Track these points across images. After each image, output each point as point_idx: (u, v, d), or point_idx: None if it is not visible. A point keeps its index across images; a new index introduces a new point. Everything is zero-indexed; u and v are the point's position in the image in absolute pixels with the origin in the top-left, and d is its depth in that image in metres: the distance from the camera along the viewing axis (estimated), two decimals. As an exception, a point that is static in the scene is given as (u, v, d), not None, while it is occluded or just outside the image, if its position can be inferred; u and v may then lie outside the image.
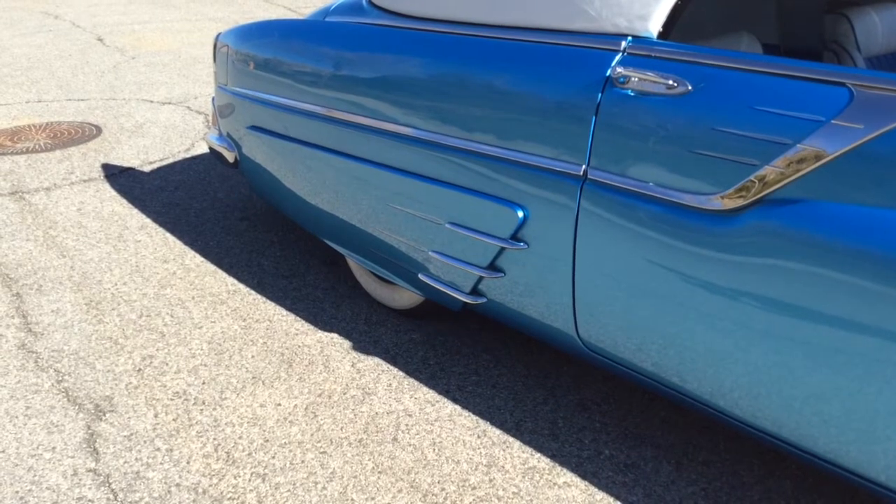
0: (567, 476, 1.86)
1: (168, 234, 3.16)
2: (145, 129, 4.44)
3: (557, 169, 1.79)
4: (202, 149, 4.15)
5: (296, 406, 2.13)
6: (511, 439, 1.98)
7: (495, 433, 2.01)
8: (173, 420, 2.07)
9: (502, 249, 1.95)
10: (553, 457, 1.92)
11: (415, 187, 2.13)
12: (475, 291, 2.11)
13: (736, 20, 2.43)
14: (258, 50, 2.72)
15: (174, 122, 4.57)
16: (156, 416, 2.09)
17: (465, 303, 2.15)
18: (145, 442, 1.99)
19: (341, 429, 2.03)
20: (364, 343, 2.42)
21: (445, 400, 2.14)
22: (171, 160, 4.00)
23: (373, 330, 2.49)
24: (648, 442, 1.97)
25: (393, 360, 2.33)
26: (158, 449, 1.97)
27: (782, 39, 2.52)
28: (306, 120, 2.46)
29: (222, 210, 3.42)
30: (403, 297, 2.51)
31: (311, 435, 2.01)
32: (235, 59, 2.84)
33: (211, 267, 2.90)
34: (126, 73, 5.67)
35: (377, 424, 2.05)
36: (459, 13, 2.05)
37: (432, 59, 2.05)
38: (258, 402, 2.15)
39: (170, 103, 4.96)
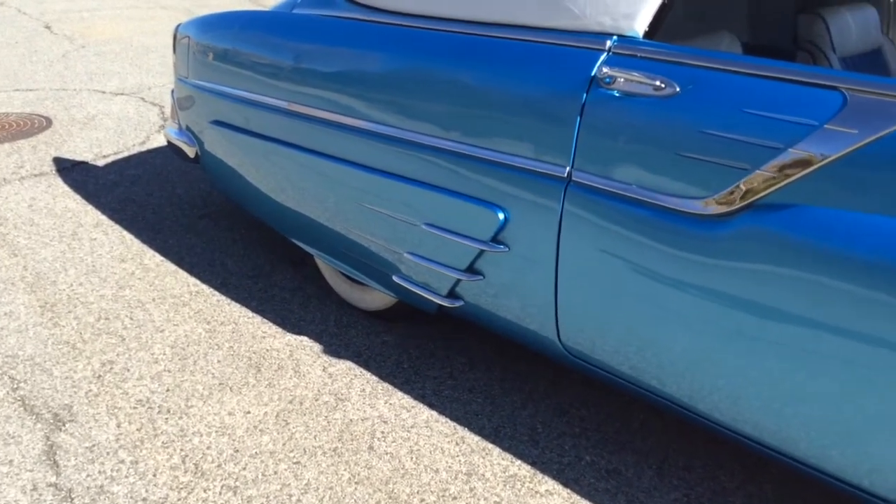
0: (549, 483, 1.82)
1: (125, 232, 3.05)
2: (98, 121, 4.29)
3: (540, 170, 1.75)
4: (158, 142, 4.03)
5: (266, 414, 2.05)
6: (490, 446, 1.94)
7: (474, 440, 1.96)
8: (137, 430, 1.99)
9: (481, 252, 1.90)
10: (534, 464, 1.88)
11: (389, 187, 2.06)
12: (452, 294, 2.05)
13: (713, 20, 2.41)
14: (222, 42, 2.62)
15: (128, 114, 4.43)
16: (118, 425, 2.00)
17: (442, 306, 2.09)
18: (108, 453, 1.90)
19: (315, 437, 1.97)
20: (335, 346, 2.35)
21: (421, 405, 2.09)
22: (125, 154, 3.87)
23: (343, 332, 2.43)
24: (629, 447, 1.94)
25: (365, 363, 2.27)
26: (122, 461, 1.88)
27: (755, 39, 2.51)
28: (274, 115, 2.38)
29: (181, 206, 3.31)
30: (375, 298, 2.44)
31: (284, 444, 1.94)
32: (197, 50, 2.74)
33: (171, 266, 2.80)
34: (76, 63, 5.48)
35: (352, 432, 1.99)
36: (438, 9, 1.99)
37: (410, 56, 1.99)
38: (226, 409, 2.07)
39: (123, 94, 4.80)
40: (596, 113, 1.65)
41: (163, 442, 1.94)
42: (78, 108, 4.50)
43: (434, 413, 2.06)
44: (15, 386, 2.14)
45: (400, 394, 2.13)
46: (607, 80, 1.64)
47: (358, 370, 2.24)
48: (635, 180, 1.60)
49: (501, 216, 1.83)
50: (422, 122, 1.95)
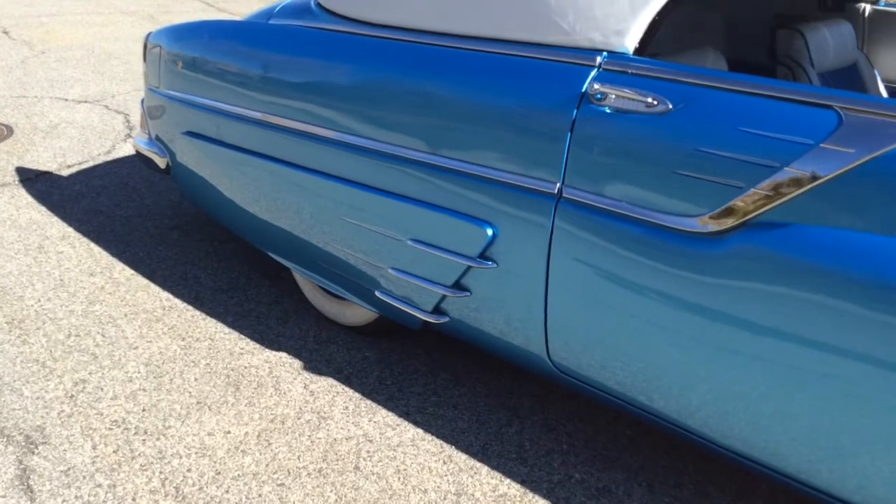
0: (539, 503, 1.80)
1: (93, 245, 2.97)
2: (61, 130, 4.19)
3: (530, 186, 1.73)
4: (123, 151, 3.94)
5: (247, 433, 2.00)
6: (478, 464, 1.91)
7: (461, 458, 1.93)
8: (114, 452, 1.92)
9: (469, 268, 1.88)
10: (523, 482, 1.86)
11: (373, 202, 2.03)
12: (438, 310, 2.03)
13: (689, 35, 2.42)
14: (196, 52, 2.57)
15: (92, 123, 4.33)
16: (94, 447, 1.94)
17: (426, 321, 2.06)
18: (85, 477, 1.84)
19: (298, 458, 1.92)
20: (315, 362, 2.31)
21: (406, 423, 2.06)
22: (90, 163, 3.77)
23: (323, 348, 2.38)
24: (617, 464, 1.93)
25: (347, 380, 2.23)
26: (100, 485, 1.82)
27: (732, 54, 2.52)
28: (250, 127, 2.33)
29: (151, 218, 3.24)
30: (356, 313, 2.41)
31: (266, 465, 1.90)
32: (169, 60, 2.68)
33: (142, 280, 2.73)
34: (36, 69, 5.35)
35: (336, 452, 1.95)
36: (422, 22, 1.96)
37: (395, 70, 1.96)
38: (205, 430, 2.01)
39: (86, 102, 4.70)
40: (587, 129, 1.64)
41: (141, 464, 1.88)
42: (40, 117, 4.39)
43: (420, 431, 2.03)
44: (-17, 407, 2.06)
45: (384, 411, 2.10)
46: (598, 96, 1.63)
47: (340, 387, 2.20)
48: (627, 197, 1.60)
49: (490, 232, 1.81)
50: (407, 136, 1.92)
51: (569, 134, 1.66)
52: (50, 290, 2.63)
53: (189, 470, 1.87)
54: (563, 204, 1.68)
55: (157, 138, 2.87)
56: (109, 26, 6.84)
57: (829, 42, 2.36)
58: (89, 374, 2.22)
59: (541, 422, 2.07)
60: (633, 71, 1.63)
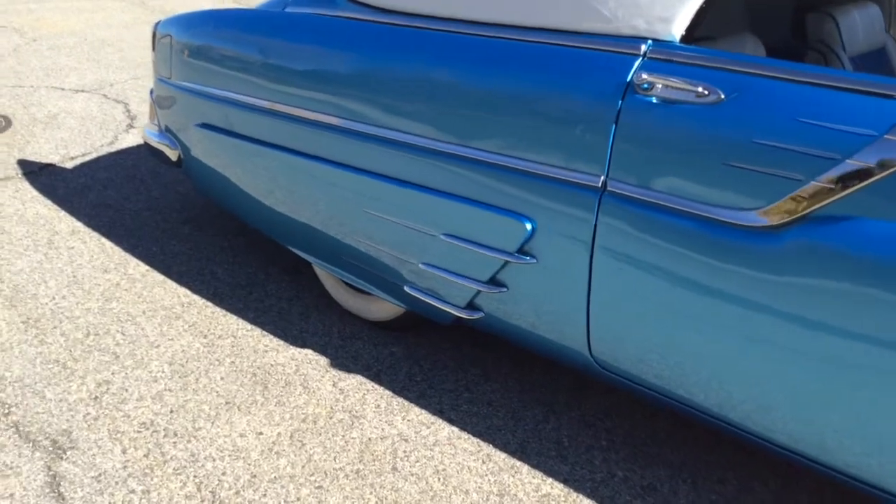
0: (584, 503, 1.77)
1: (104, 240, 2.90)
2: (60, 120, 4.10)
3: (572, 180, 1.68)
4: (127, 142, 3.87)
5: (279, 434, 1.96)
6: (518, 463, 1.88)
7: (500, 457, 1.90)
8: (144, 456, 1.88)
9: (506, 263, 1.84)
10: (566, 481, 1.83)
11: (404, 196, 1.98)
12: (471, 306, 1.98)
13: (716, 21, 2.37)
14: (209, 41, 2.50)
15: (91, 113, 4.24)
16: (124, 451, 1.89)
17: (459, 317, 2.02)
18: (117, 483, 1.80)
19: (334, 459, 1.89)
20: (342, 359, 2.26)
21: (441, 421, 2.02)
22: (94, 155, 3.70)
23: (348, 344, 2.34)
24: (659, 460, 1.90)
25: (376, 377, 2.19)
26: (133, 491, 1.78)
27: (761, 39, 2.47)
28: (269, 119, 2.27)
29: (160, 211, 3.17)
30: (381, 308, 2.36)
31: (303, 467, 1.86)
32: (181, 50, 2.61)
33: (158, 276, 2.68)
34: (29, 58, 5.25)
35: (372, 452, 1.91)
36: (455, 10, 1.91)
37: (427, 60, 1.90)
38: (237, 431, 1.97)
39: (83, 91, 4.61)
40: (632, 120, 1.60)
41: (174, 468, 1.84)
42: (38, 107, 4.30)
43: (455, 429, 1.99)
44: (6, 411, 2.01)
45: (417, 409, 2.06)
46: (644, 85, 1.59)
47: (370, 384, 2.15)
48: (677, 190, 1.55)
49: (529, 227, 1.77)
50: (441, 129, 1.87)
51: (613, 125, 1.61)
52: (64, 288, 2.57)
53: (224, 473, 1.83)
54: (607, 197, 1.64)
55: (168, 130, 2.80)
56: (99, 13, 6.72)
57: (858, 25, 2.32)
58: (112, 374, 2.16)
59: (578, 417, 2.04)
60: (681, 59, 1.58)
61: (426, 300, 2.07)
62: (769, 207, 1.45)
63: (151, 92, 2.90)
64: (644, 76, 1.58)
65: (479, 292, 1.93)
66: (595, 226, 1.67)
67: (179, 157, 2.79)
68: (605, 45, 1.68)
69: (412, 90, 1.91)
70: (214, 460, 1.87)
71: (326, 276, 2.51)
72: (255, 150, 2.36)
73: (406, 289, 2.11)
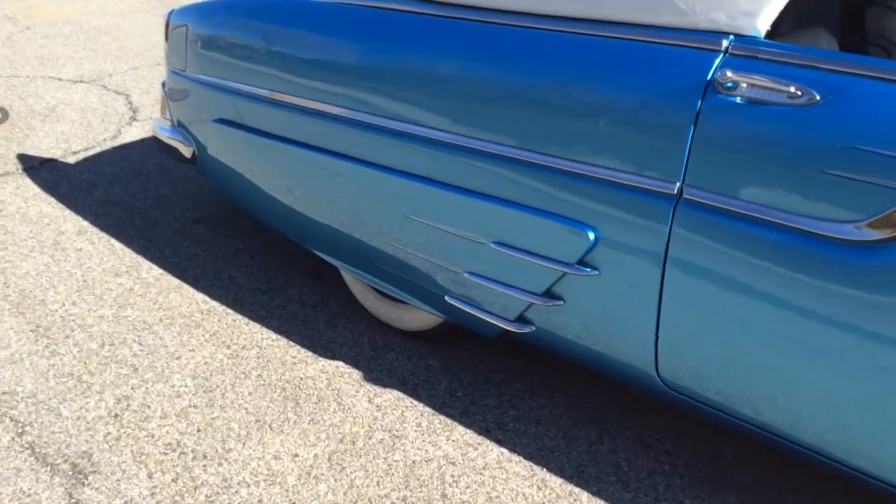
0: (652, 533, 1.65)
1: (113, 241, 2.75)
2: (60, 113, 3.94)
3: (643, 186, 1.55)
4: (130, 136, 3.71)
5: (316, 456, 1.83)
6: (576, 490, 1.75)
7: (556, 482, 1.77)
8: (173, 481, 1.74)
9: (564, 275, 1.70)
10: (630, 509, 1.71)
11: (449, 201, 1.85)
12: (522, 319, 1.85)
13: (804, 16, 2.24)
14: (231, 32, 2.35)
15: (91, 104, 4.08)
16: (150, 476, 1.75)
17: (507, 330, 1.89)
18: (145, 513, 1.66)
19: (378, 484, 1.75)
20: (376, 372, 2.13)
21: (488, 441, 1.89)
22: (97, 149, 3.54)
23: (381, 356, 2.20)
24: (727, 485, 1.78)
25: (414, 392, 2.05)
26: (163, 521, 1.64)
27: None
28: (299, 116, 2.13)
29: (170, 210, 3.02)
30: (416, 317, 2.23)
31: (345, 493, 1.72)
32: (198, 41, 2.46)
33: (173, 281, 2.53)
34: (23, 47, 5.06)
35: (418, 477, 1.78)
36: (519, 3, 1.76)
37: (479, 54, 1.76)
38: (270, 452, 1.83)
39: (82, 81, 4.43)
40: (714, 121, 1.47)
41: (206, 496, 1.70)
42: (35, 98, 4.12)
43: (504, 451, 1.86)
44: (20, 430, 1.86)
45: (461, 428, 1.93)
46: (728, 84, 1.45)
47: (408, 400, 2.02)
48: (764, 199, 1.42)
49: (591, 236, 1.64)
50: (496, 131, 1.73)
51: (692, 127, 1.48)
52: (74, 293, 2.42)
53: (261, 501, 1.69)
54: (682, 206, 1.51)
55: (181, 125, 2.65)
56: (94, 0, 6.52)
57: (921, 20, 2.19)
58: (132, 389, 2.02)
59: (634, 438, 1.91)
60: (768, 56, 1.45)
61: (470, 311, 1.94)
62: (871, 220, 1.33)
63: (163, 85, 2.75)
64: (728, 74, 1.45)
65: (531, 305, 1.80)
66: (668, 236, 1.54)
67: (194, 153, 2.64)
68: (681, 40, 1.54)
69: (463, 87, 1.77)
70: (249, 486, 1.73)
71: (354, 281, 2.37)
72: (280, 148, 2.21)
73: (447, 299, 1.98)
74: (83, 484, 1.72)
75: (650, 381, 1.70)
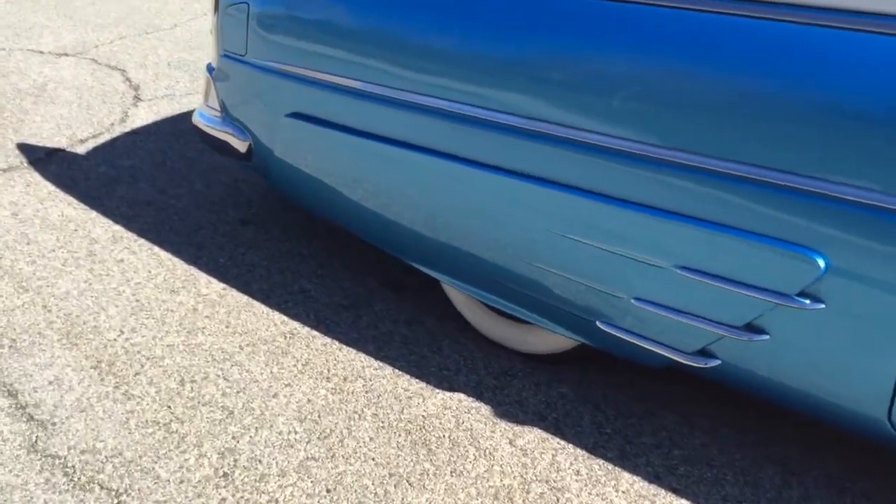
0: None
1: (157, 249, 2.42)
2: (52, 92, 3.52)
3: (888, 206, 1.31)
4: (140, 119, 3.33)
5: (475, 519, 1.57)
6: (784, 549, 1.54)
7: (758, 540, 1.56)
8: (318, 561, 1.47)
9: (776, 306, 1.46)
10: (853, 573, 1.50)
11: (621, 219, 1.58)
12: (705, 352, 1.61)
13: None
14: (310, 11, 2.03)
15: (86, 82, 3.66)
16: (289, 556, 1.47)
17: (680, 363, 1.65)
18: None
19: (558, 553, 1.51)
20: (506, 406, 1.87)
21: (663, 491, 1.66)
22: (106, 136, 3.15)
23: (505, 384, 1.95)
24: (944, 535, 1.59)
25: (557, 430, 1.81)
26: None
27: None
28: (414, 116, 1.83)
29: (211, 209, 2.69)
30: (544, 340, 1.97)
31: (524, 567, 1.48)
32: (265, 20, 2.13)
33: (240, 297, 2.22)
34: (-10, 14, 4.57)
35: (602, 541, 1.54)
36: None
37: (664, 45, 1.48)
38: (420, 516, 1.57)
39: (66, 55, 4.00)
40: None
41: (365, 580, 1.44)
42: (19, 75, 3.69)
43: (686, 502, 1.63)
44: (116, 500, 1.56)
45: (626, 475, 1.69)
46: None
47: (553, 441, 1.77)
48: None
49: (821, 264, 1.39)
50: (688, 138, 1.47)
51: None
52: (130, 317, 2.10)
53: (431, 584, 1.43)
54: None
55: (233, 117, 2.32)
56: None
57: None
58: (233, 439, 1.73)
59: (823, 479, 1.70)
60: None
61: (631, 340, 1.69)
62: None
63: (209, 69, 2.40)
64: None
65: (721, 338, 1.56)
66: (922, 267, 1.31)
67: (250, 148, 2.31)
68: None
69: (643, 85, 1.49)
70: (410, 563, 1.47)
71: (460, 295, 2.10)
72: (383, 151, 1.92)
73: (600, 325, 1.73)
74: (213, 571, 1.43)
75: (877, 426, 1.48)
